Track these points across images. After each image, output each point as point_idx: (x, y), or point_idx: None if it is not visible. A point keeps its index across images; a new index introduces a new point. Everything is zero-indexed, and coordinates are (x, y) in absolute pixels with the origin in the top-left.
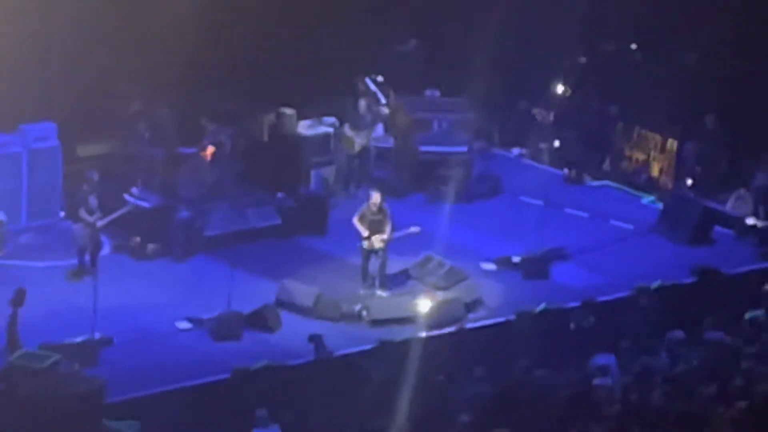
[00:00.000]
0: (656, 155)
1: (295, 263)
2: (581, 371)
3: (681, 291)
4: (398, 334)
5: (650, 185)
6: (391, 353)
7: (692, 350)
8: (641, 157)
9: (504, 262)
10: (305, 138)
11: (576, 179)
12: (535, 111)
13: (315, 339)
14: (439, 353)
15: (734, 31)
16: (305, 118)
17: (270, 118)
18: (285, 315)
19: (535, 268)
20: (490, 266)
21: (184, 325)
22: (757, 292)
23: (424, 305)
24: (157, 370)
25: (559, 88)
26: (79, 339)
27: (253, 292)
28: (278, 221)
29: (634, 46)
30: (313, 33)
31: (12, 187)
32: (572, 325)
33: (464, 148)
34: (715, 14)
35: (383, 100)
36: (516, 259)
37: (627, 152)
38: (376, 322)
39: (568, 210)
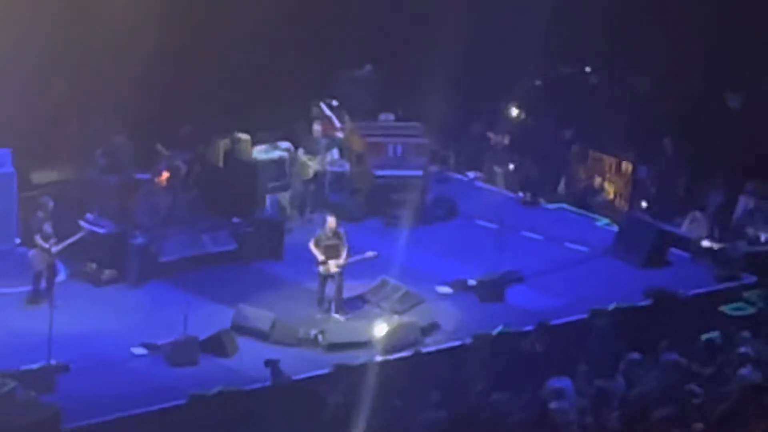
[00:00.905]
0: (611, 178)
1: (251, 288)
2: (537, 394)
3: (637, 313)
4: (354, 358)
5: (605, 208)
6: (347, 378)
7: (648, 372)
8: (596, 179)
9: (460, 286)
10: (260, 163)
11: (531, 202)
12: (490, 134)
13: (271, 364)
14: (396, 377)
15: (687, 54)
16: (260, 143)
17: (225, 143)
18: (241, 340)
19: (491, 291)
20: (446, 290)
21: (140, 350)
22: (713, 314)
23: (380, 329)
24: (113, 396)
25: (514, 112)
26: (35, 365)
27: (209, 318)
28: (234, 246)
29: (588, 69)
30: (267, 58)
31: None
32: (537, 346)
33: (419, 172)
34: (669, 37)
35: (338, 125)
36: (472, 282)
37: (582, 175)
38: (333, 347)
39: (523, 233)
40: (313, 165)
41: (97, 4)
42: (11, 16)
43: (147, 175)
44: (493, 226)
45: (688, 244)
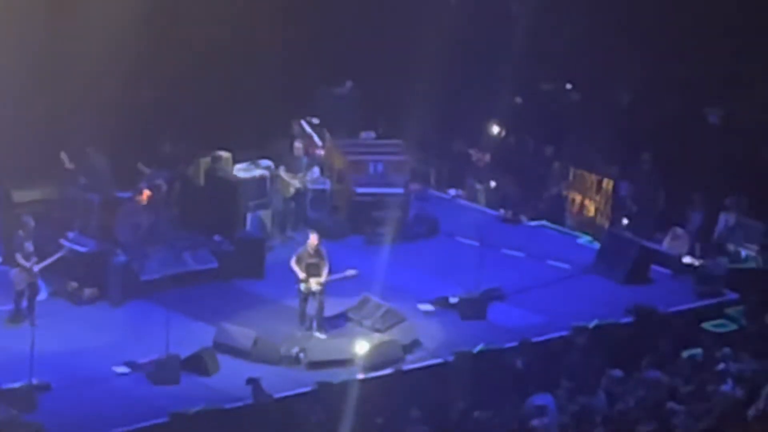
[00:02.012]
0: (592, 195)
1: (233, 306)
2: (519, 412)
3: (618, 330)
4: (336, 376)
5: (586, 225)
6: (329, 396)
7: (630, 389)
8: (577, 197)
9: (441, 303)
10: (241, 181)
11: (512, 219)
12: (472, 152)
13: (253, 382)
14: (377, 395)
15: (666, 71)
16: (241, 161)
17: (206, 161)
18: (223, 358)
19: (473, 308)
20: (428, 307)
21: (122, 369)
22: (694, 331)
23: (361, 347)
24: (95, 414)
25: (495, 129)
26: (16, 384)
27: (191, 336)
28: (215, 264)
29: (569, 86)
30: (248, 76)
31: None
32: (518, 364)
33: (400, 190)
34: (649, 54)
35: (319, 143)
36: (453, 299)
37: (563, 192)
38: (314, 365)
39: (504, 250)
40: (294, 183)
41: (77, 24)
42: None
43: (128, 194)
44: (475, 243)
45: (669, 260)
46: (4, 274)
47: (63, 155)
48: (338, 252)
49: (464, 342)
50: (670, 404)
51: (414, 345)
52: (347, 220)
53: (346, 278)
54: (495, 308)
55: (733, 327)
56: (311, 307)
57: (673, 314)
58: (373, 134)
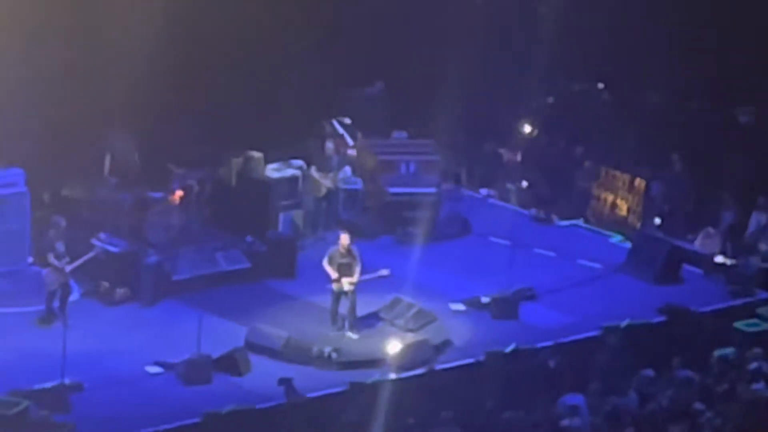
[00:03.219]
0: (624, 194)
1: (265, 306)
2: (550, 412)
3: (650, 330)
4: (368, 376)
5: (618, 224)
6: (360, 396)
7: (662, 389)
8: (609, 196)
9: (473, 303)
10: (273, 181)
11: (544, 219)
12: (503, 151)
13: (285, 382)
14: (409, 395)
15: (698, 70)
16: (273, 161)
17: (238, 161)
18: (255, 358)
19: (504, 308)
20: (459, 307)
21: (154, 369)
22: (726, 330)
23: (393, 347)
24: (127, 415)
25: (527, 129)
26: (48, 385)
27: (223, 336)
28: (247, 265)
29: (601, 86)
30: (280, 76)
31: None
32: (550, 363)
33: (432, 190)
34: (680, 54)
35: (350, 142)
36: (485, 299)
37: (595, 192)
38: (346, 365)
39: (536, 250)
40: (325, 183)
41: (108, 24)
42: (22, 37)
43: (160, 194)
44: (506, 243)
45: (701, 260)
46: (36, 274)
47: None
48: (370, 252)
49: (496, 342)
50: (701, 404)
51: (446, 345)
52: (379, 220)
53: (378, 277)
54: (527, 308)
55: (765, 326)
56: (343, 307)
57: (705, 314)
58: (404, 134)
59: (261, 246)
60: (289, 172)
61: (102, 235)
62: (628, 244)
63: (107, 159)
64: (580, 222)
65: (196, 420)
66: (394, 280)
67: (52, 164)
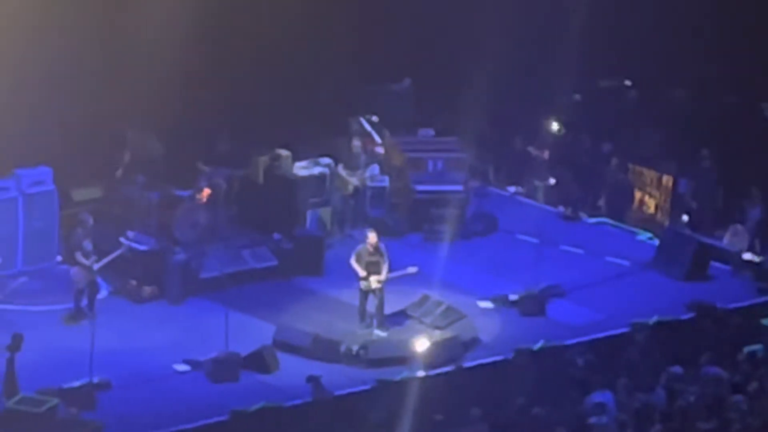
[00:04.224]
0: (652, 191)
1: (293, 304)
2: (578, 409)
3: (678, 327)
4: (396, 373)
5: (646, 221)
6: (388, 393)
7: (690, 386)
8: (637, 193)
9: (501, 300)
10: (301, 179)
11: (572, 216)
12: (530, 149)
13: (313, 380)
14: (437, 392)
15: (725, 67)
16: (300, 159)
17: (265, 159)
18: (282, 356)
19: (532, 305)
20: (487, 304)
21: (182, 367)
22: (754, 327)
23: (421, 345)
24: (155, 412)
25: (554, 126)
26: (77, 383)
27: (251, 334)
28: (274, 262)
29: (628, 83)
30: (307, 74)
31: (8, 231)
32: (578, 360)
33: (460, 187)
34: (708, 50)
35: (378, 140)
36: (513, 296)
37: (623, 189)
38: (374, 362)
39: (564, 247)
40: (352, 180)
41: (135, 22)
42: (49, 36)
43: (187, 192)
44: (534, 240)
45: (729, 257)
46: (64, 273)
47: (199, 163)
48: (397, 249)
49: (524, 339)
50: (730, 400)
51: (474, 342)
52: (406, 217)
53: (406, 275)
54: (555, 305)
55: None
56: (371, 305)
57: (733, 311)
58: (431, 131)
59: (288, 243)
60: (317, 169)
61: (130, 233)
62: (656, 241)
63: (135, 157)
64: (608, 219)
65: (223, 418)
66: (422, 277)
67: (80, 162)
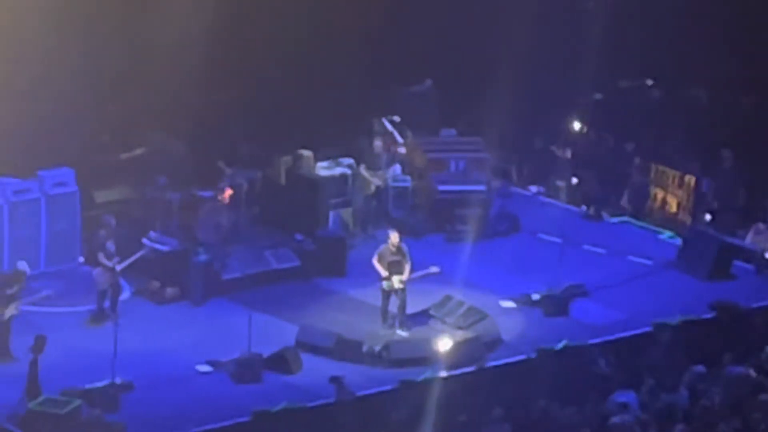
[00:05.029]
0: (674, 191)
1: (315, 305)
2: (601, 409)
3: (701, 326)
4: (418, 374)
5: (669, 221)
6: (411, 393)
7: (713, 385)
8: (659, 193)
9: (523, 300)
10: (323, 179)
11: (594, 216)
12: (553, 148)
13: (336, 380)
14: (460, 393)
15: (747, 67)
16: (322, 159)
17: (287, 160)
18: (305, 357)
19: (555, 305)
20: (510, 304)
21: (205, 368)
22: None
23: (444, 345)
24: (177, 413)
25: (576, 125)
26: (99, 384)
27: (273, 335)
28: (297, 263)
29: (650, 82)
30: (329, 75)
31: (30, 233)
32: (601, 360)
33: (482, 187)
34: (730, 50)
35: (400, 140)
36: (535, 296)
37: (645, 188)
38: (397, 363)
39: (586, 247)
40: (374, 181)
41: (157, 23)
42: (72, 39)
43: (209, 193)
44: (557, 240)
45: (752, 256)
46: (87, 274)
47: (221, 164)
48: (420, 250)
49: (547, 339)
50: (754, 400)
51: (496, 342)
52: (429, 217)
53: (428, 275)
54: (577, 305)
55: None
56: (393, 305)
57: (756, 310)
58: (453, 131)
59: (311, 244)
60: (339, 170)
61: (152, 234)
62: (679, 241)
63: (157, 158)
64: (630, 219)
65: (246, 419)
66: (444, 277)
67: (103, 164)
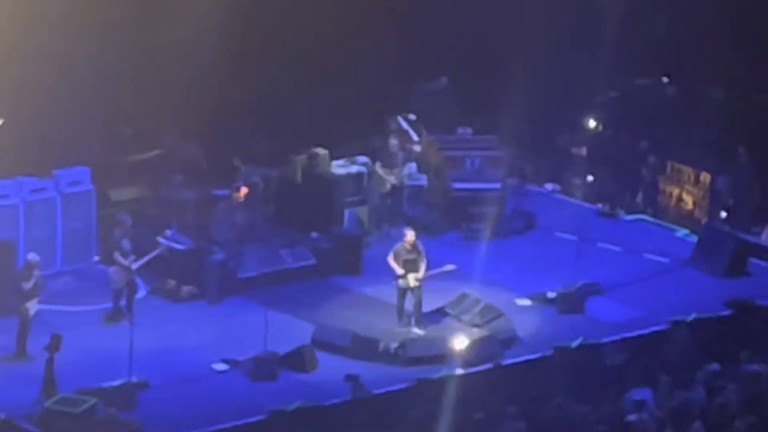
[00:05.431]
0: (690, 188)
1: (331, 303)
2: (617, 406)
3: (717, 324)
4: (434, 372)
5: (684, 218)
6: (427, 391)
7: (729, 383)
8: (675, 190)
9: (539, 298)
10: (338, 178)
11: (610, 214)
12: (568, 146)
13: (351, 378)
14: (475, 390)
15: (763, 64)
16: (338, 157)
17: (303, 158)
18: (321, 355)
19: (571, 303)
20: (526, 302)
21: (221, 366)
22: None
23: (460, 343)
24: (193, 412)
25: (592, 123)
26: (116, 383)
27: (289, 333)
28: (312, 261)
29: (665, 80)
30: (344, 73)
31: (46, 232)
32: (616, 358)
33: (497, 185)
34: (745, 48)
35: (415, 138)
36: (551, 294)
37: (661, 186)
38: (413, 361)
39: (602, 244)
40: (390, 179)
41: (172, 23)
42: (87, 38)
43: (225, 191)
44: (572, 238)
45: (767, 253)
46: (102, 273)
47: (236, 162)
48: (435, 248)
49: (562, 337)
50: None
51: (512, 340)
52: (444, 215)
53: (444, 273)
54: (593, 303)
55: None
56: (409, 303)
57: None
58: (469, 130)
59: (326, 242)
60: (354, 168)
61: (168, 233)
62: (695, 238)
63: (172, 157)
64: (646, 216)
65: (262, 417)
66: (460, 275)
67: (118, 162)
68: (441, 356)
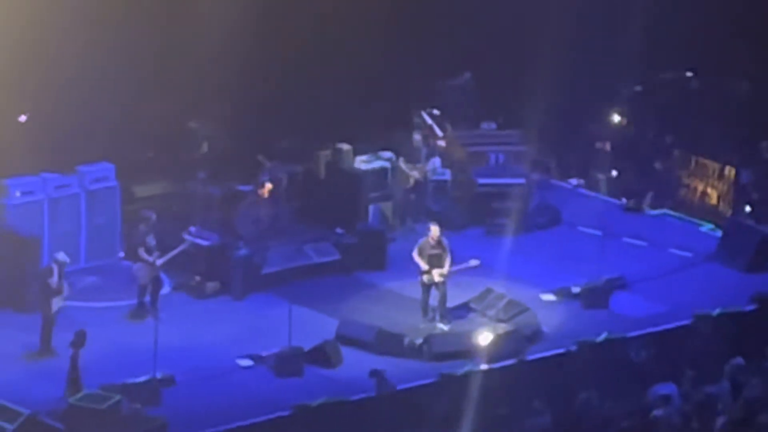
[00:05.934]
0: (714, 183)
1: (355, 298)
2: (642, 401)
3: (742, 318)
4: (459, 367)
5: (709, 213)
6: (452, 387)
7: (754, 378)
8: (699, 184)
9: (564, 293)
10: (362, 173)
11: (634, 208)
12: (592, 140)
13: (376, 374)
14: (500, 385)
15: None
16: (362, 153)
17: (327, 154)
18: (346, 350)
19: (595, 298)
20: (550, 297)
21: (246, 362)
22: None
23: (484, 338)
24: (219, 408)
25: (616, 118)
26: (140, 379)
27: (314, 328)
28: (337, 257)
29: (689, 74)
30: (369, 68)
31: (71, 228)
32: (641, 353)
33: (522, 180)
34: None
35: (440, 134)
36: (575, 289)
37: (685, 180)
38: (438, 356)
39: (626, 239)
40: (414, 174)
41: (197, 18)
42: (111, 34)
43: (249, 187)
44: (597, 232)
45: None
46: (126, 269)
47: (261, 158)
48: (459, 243)
49: (587, 331)
50: None
51: (536, 335)
52: (468, 210)
53: (468, 268)
54: (617, 297)
55: None
56: (434, 298)
57: None
58: (493, 125)
59: (351, 238)
60: (379, 163)
61: (192, 229)
62: (719, 233)
63: (197, 153)
64: (670, 211)
65: (287, 413)
66: (484, 270)
67: (143, 159)
68: (466, 351)
